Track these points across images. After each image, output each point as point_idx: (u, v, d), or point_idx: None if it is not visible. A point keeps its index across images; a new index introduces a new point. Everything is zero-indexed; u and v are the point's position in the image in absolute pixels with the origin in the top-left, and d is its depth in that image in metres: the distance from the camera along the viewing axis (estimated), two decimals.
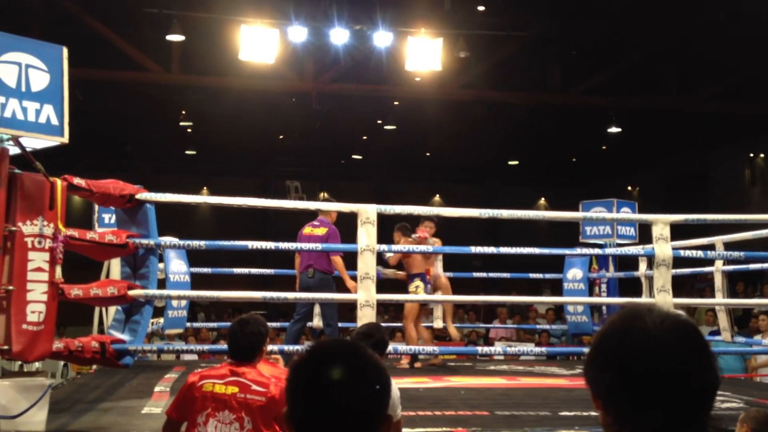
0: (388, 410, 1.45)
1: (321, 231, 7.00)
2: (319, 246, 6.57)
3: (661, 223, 6.32)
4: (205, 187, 20.42)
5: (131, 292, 5.45)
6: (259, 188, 20.73)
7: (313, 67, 14.22)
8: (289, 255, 7.84)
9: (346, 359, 1.44)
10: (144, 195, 5.57)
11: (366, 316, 5.70)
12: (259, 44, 12.10)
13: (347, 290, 6.77)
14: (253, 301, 8.51)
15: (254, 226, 18.74)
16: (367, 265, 5.76)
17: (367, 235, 5.74)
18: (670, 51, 13.58)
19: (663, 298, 6.19)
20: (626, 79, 14.70)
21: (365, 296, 5.73)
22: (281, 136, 19.31)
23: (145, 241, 5.55)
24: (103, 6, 12.52)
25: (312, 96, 15.26)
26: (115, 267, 7.01)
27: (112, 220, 7.19)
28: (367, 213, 5.80)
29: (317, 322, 7.84)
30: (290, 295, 6.32)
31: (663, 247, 6.26)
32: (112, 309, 6.88)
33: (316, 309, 7.74)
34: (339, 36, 12.47)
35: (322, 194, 19.45)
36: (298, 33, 12.35)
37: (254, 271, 9.43)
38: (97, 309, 8.01)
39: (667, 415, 1.21)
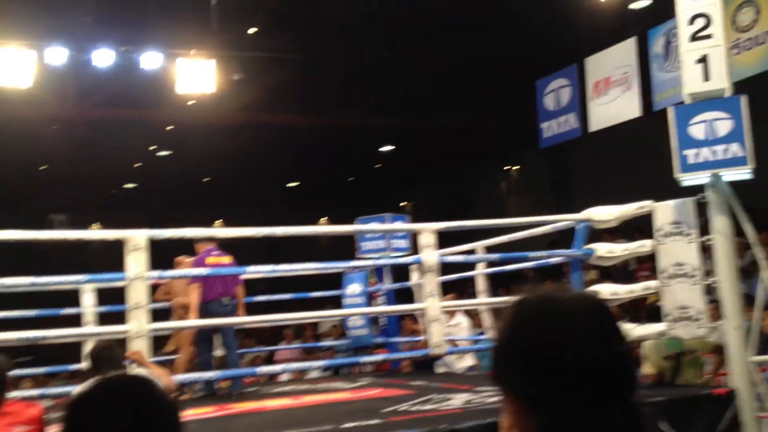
0: None
1: (226, 259, 7.12)
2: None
3: (427, 231, 6.61)
4: None
5: None
6: (21, 224, 19.16)
7: (76, 92, 13.46)
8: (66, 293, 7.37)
9: (131, 396, 1.34)
10: None
11: (140, 347, 5.42)
12: (13, 67, 11.28)
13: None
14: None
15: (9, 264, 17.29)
16: (138, 294, 5.49)
17: (136, 263, 5.47)
18: (432, 73, 14.33)
19: (432, 302, 6.48)
20: (399, 100, 15.31)
21: (137, 327, 5.45)
22: (44, 167, 18.08)
23: None
24: None
25: (76, 123, 14.46)
26: None
27: None
28: (135, 240, 5.52)
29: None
30: (50, 334, 5.84)
31: (429, 255, 6.55)
32: None
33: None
34: (104, 58, 11.91)
35: (93, 226, 18.42)
36: (58, 55, 11.65)
37: (25, 313, 8.52)
38: None
39: (597, 394, 1.14)
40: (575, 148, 14.04)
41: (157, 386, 1.37)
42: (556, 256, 7.32)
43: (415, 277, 8.70)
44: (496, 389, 1.21)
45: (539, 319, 1.18)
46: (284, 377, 9.89)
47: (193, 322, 6.83)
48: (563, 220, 7.07)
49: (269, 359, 11.30)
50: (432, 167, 19.62)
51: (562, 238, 8.58)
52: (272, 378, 9.79)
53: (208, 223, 20.51)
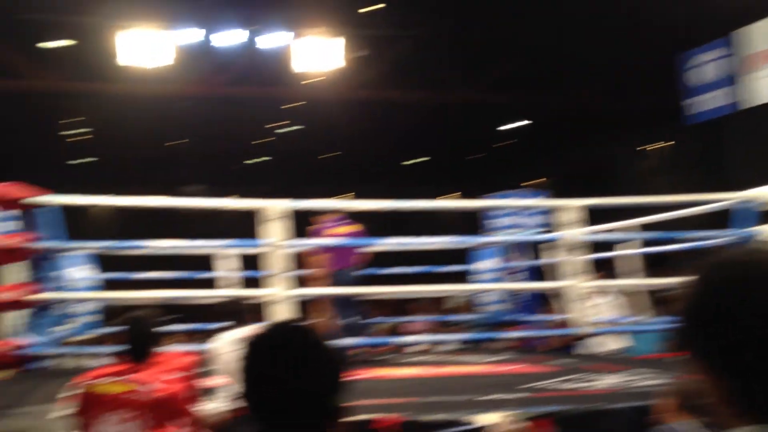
0: (344, 400, 1.43)
1: (347, 228, 7.12)
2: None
3: (569, 208, 6.42)
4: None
5: (32, 297, 5.21)
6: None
7: (206, 71, 13.91)
8: (201, 258, 7.63)
9: (298, 341, 1.44)
10: (34, 198, 5.32)
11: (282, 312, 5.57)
12: (150, 48, 11.79)
13: None
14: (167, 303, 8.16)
15: (160, 235, 18.12)
16: (277, 261, 5.64)
17: (274, 232, 5.63)
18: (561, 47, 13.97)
19: (575, 282, 6.30)
20: (523, 76, 15.01)
21: (277, 292, 5.61)
22: (177, 142, 18.84)
23: (43, 245, 5.29)
24: None
25: (207, 100, 14.98)
26: (14, 273, 6.68)
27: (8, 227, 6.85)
28: (273, 209, 5.69)
29: None
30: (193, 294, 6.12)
31: (572, 232, 6.36)
32: (13, 314, 6.56)
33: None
34: (233, 37, 12.28)
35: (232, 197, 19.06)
36: (190, 35, 12.09)
37: (167, 275, 9.01)
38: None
39: None
40: (728, 124, 13.27)
41: (320, 335, 1.47)
42: (717, 238, 6.63)
43: (551, 255, 8.50)
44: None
45: (739, 282, 1.06)
46: (414, 349, 9.93)
47: (326, 289, 6.98)
48: (723, 199, 6.53)
49: (392, 331, 11.35)
50: (564, 144, 19.12)
51: (711, 221, 8.07)
52: (400, 349, 9.83)
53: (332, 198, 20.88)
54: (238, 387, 1.44)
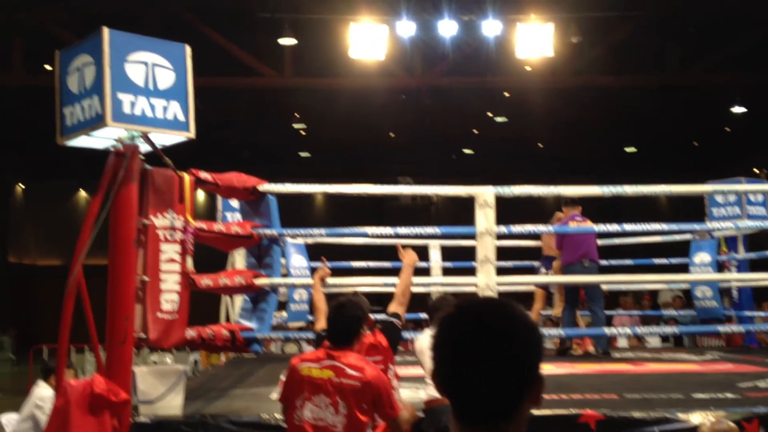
0: (539, 371, 1.35)
1: (589, 224, 7.28)
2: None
3: None
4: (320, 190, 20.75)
5: (257, 281, 5.61)
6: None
7: (421, 62, 14.23)
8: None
9: (494, 315, 1.36)
10: (265, 186, 5.73)
11: None
12: (368, 41, 12.23)
13: None
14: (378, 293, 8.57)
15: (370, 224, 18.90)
16: (486, 248, 5.72)
17: (485, 219, 5.70)
18: None
19: None
20: (750, 56, 13.97)
21: (485, 280, 5.69)
22: (392, 134, 19.44)
23: (268, 232, 5.71)
24: (215, 13, 12.96)
25: (422, 92, 15.30)
26: (239, 259, 7.24)
27: (235, 218, 7.44)
28: (485, 196, 5.75)
29: None
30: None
31: None
32: (238, 299, 7.11)
33: None
34: (448, 28, 12.44)
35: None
36: (407, 27, 12.40)
37: (372, 264, 9.48)
38: (223, 300, 8.29)
39: None
40: None
41: (519, 308, 1.38)
42: None
43: None
44: None
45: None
46: (622, 343, 9.68)
47: (545, 278, 7.03)
48: None
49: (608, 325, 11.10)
50: None
51: None
52: (611, 343, 9.62)
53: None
54: (433, 372, 1.38)
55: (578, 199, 7.35)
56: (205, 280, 5.31)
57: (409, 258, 4.35)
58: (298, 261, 7.92)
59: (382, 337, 3.93)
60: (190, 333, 5.13)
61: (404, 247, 4.54)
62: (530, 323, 1.37)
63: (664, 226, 6.53)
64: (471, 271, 6.12)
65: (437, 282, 7.69)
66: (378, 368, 3.49)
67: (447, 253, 8.76)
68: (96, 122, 4.34)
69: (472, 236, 5.88)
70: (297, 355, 3.75)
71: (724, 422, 3.47)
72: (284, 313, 8.13)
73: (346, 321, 3.50)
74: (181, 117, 4.64)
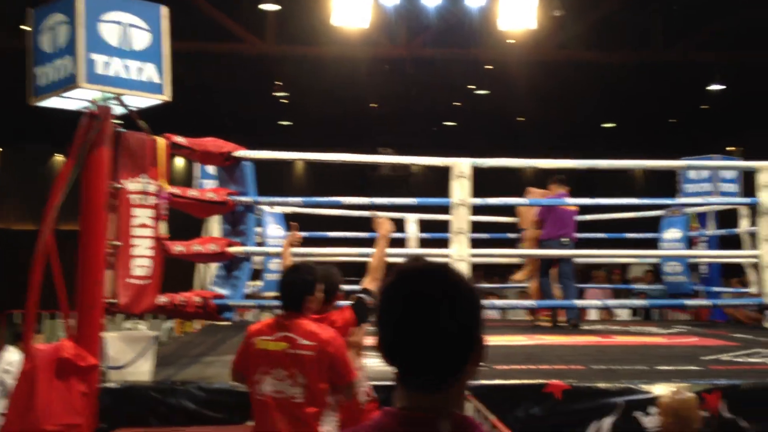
0: (480, 334, 1.35)
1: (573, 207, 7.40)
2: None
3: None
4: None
5: (231, 249, 5.61)
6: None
7: (405, 32, 14.13)
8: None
9: (434, 281, 1.35)
10: (241, 152, 5.71)
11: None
12: (352, 8, 12.08)
13: None
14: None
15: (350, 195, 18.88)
16: (460, 219, 5.75)
17: (460, 190, 5.72)
18: None
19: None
20: (732, 35, 14.01)
21: (458, 252, 5.73)
22: (373, 105, 19.34)
23: (243, 199, 5.70)
24: None
25: (405, 62, 15.20)
26: (215, 226, 7.22)
27: (212, 185, 7.40)
28: (460, 167, 5.77)
29: None
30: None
31: None
32: (213, 266, 7.10)
33: None
34: None
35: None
36: None
37: (349, 234, 9.46)
38: (197, 267, 8.27)
39: None
40: None
41: (458, 272, 1.38)
42: None
43: (744, 224, 8.05)
44: None
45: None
46: (592, 316, 9.80)
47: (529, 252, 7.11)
48: None
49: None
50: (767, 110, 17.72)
51: None
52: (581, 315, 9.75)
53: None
54: (377, 341, 1.36)
55: (567, 180, 7.40)
56: (178, 247, 5.31)
57: (383, 228, 4.23)
58: (274, 230, 7.91)
59: (350, 313, 3.76)
60: (162, 299, 5.13)
61: (379, 217, 4.45)
62: (470, 287, 1.37)
63: (637, 201, 6.60)
64: (447, 243, 6.15)
65: (410, 254, 7.71)
66: (334, 330, 3.40)
67: (427, 226, 8.78)
68: (68, 83, 4.31)
69: (447, 207, 5.91)
70: (252, 325, 3.62)
71: (683, 393, 3.55)
72: (260, 282, 8.13)
73: (294, 284, 3.38)
74: (156, 79, 4.61)
